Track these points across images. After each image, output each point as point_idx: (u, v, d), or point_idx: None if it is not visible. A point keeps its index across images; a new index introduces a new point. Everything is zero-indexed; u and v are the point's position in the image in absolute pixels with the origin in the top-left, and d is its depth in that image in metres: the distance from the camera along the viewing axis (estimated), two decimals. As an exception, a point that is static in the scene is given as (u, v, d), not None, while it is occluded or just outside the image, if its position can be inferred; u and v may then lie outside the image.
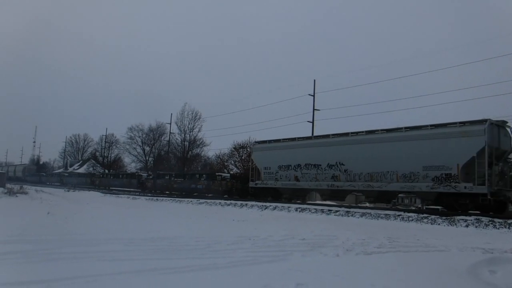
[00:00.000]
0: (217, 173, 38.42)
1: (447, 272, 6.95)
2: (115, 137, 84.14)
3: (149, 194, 36.34)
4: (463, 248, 9.38)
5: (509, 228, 13.95)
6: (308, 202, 25.66)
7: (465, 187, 18.62)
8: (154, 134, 75.99)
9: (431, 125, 20.76)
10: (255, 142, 33.69)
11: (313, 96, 39.68)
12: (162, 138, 74.35)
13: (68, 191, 40.83)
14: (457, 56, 70.64)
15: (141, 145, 75.63)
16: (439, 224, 15.44)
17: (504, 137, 19.66)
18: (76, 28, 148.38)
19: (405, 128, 21.92)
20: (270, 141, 30.04)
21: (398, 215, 17.32)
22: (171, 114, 63.36)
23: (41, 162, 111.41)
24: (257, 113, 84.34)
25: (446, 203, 19.96)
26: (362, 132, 24.01)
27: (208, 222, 15.19)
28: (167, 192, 39.60)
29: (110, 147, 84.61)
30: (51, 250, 7.54)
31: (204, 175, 38.85)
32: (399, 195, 21.58)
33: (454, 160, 19.14)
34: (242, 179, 34.17)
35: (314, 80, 40.07)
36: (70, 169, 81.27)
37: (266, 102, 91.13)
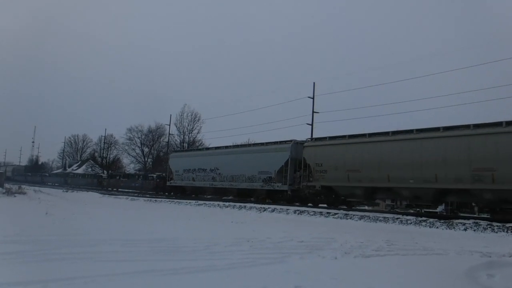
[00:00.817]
0: (149, 174, 49.58)
1: (445, 275, 6.96)
2: (114, 138, 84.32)
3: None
4: (461, 252, 9.39)
5: (507, 232, 13.97)
6: (308, 205, 25.93)
7: (277, 186, 27.76)
8: (153, 135, 76.17)
9: (266, 143, 31.05)
10: (173, 151, 50.09)
11: (313, 98, 39.75)
12: (161, 139, 74.58)
13: (67, 191, 40.78)
14: (459, 59, 70.79)
15: (140, 146, 75.81)
16: (437, 227, 15.46)
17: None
18: (76, 28, 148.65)
19: (253, 144, 35.01)
20: (179, 151, 47.55)
21: (397, 218, 17.34)
22: (171, 115, 63.51)
23: (40, 162, 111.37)
24: (257, 115, 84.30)
25: (271, 197, 28.91)
26: (230, 146, 36.60)
27: (206, 224, 15.19)
28: (115, 189, 50.78)
29: (109, 148, 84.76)
30: (49, 251, 7.52)
31: (140, 176, 51.41)
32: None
33: (273, 168, 28.11)
34: (163, 179, 42.94)
35: (314, 83, 40.22)
36: (68, 170, 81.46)
37: (266, 104, 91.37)
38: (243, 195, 31.59)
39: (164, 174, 43.99)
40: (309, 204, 25.14)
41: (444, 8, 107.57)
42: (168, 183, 38.93)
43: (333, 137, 25.04)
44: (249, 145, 33.03)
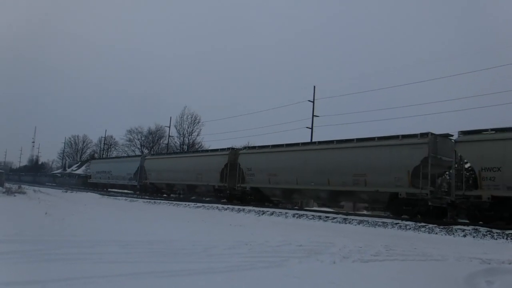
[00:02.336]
0: (80, 174, 63.35)
1: (444, 281, 6.95)
2: (114, 139, 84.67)
3: (103, 192, 45.68)
4: (460, 258, 9.37)
5: (506, 239, 13.94)
6: (306, 208, 26.07)
7: (219, 185, 31.99)
8: (153, 137, 76.27)
9: (210, 150, 40.68)
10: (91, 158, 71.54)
11: (313, 102, 39.82)
12: (161, 141, 74.67)
13: (66, 191, 40.78)
14: (459, 64, 70.83)
15: (139, 147, 75.86)
16: (436, 233, 15.43)
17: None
18: (76, 30, 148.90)
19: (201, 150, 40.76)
20: (95, 159, 68.14)
21: (396, 223, 17.32)
22: (170, 117, 63.62)
23: (40, 162, 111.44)
24: (257, 118, 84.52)
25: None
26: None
27: (205, 226, 15.16)
28: (61, 184, 61.15)
29: (109, 149, 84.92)
30: (48, 251, 7.50)
31: (76, 176, 69.07)
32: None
33: (217, 169, 32.07)
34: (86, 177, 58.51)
35: (314, 86, 40.37)
36: (68, 170, 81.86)
37: (266, 107, 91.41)
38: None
39: (87, 173, 61.44)
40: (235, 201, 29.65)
41: (447, 10, 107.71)
42: (89, 180, 49.15)
43: (261, 147, 30.25)
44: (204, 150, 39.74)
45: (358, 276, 7.15)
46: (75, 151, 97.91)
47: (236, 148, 33.66)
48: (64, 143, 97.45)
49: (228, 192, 31.22)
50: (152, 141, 76.48)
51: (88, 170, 57.16)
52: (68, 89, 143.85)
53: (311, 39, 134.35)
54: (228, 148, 33.17)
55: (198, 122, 66.81)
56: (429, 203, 19.35)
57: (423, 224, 16.79)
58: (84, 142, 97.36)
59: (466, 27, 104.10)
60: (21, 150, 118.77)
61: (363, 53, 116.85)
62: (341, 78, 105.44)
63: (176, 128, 67.47)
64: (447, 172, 21.15)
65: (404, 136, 21.08)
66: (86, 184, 56.00)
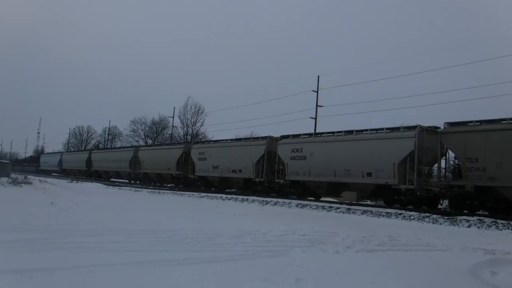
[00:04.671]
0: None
1: (448, 272, 6.95)
2: (118, 130, 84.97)
3: (107, 182, 46.34)
4: (465, 248, 9.38)
5: (511, 230, 13.92)
6: (308, 198, 25.92)
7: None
8: (157, 128, 76.48)
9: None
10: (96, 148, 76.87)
11: (317, 92, 39.68)
12: (165, 131, 74.81)
13: (71, 182, 40.91)
14: (465, 53, 70.31)
15: (143, 138, 76.15)
16: (440, 223, 15.43)
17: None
18: (82, 21, 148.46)
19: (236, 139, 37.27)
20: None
21: (400, 214, 17.33)
22: (174, 107, 63.88)
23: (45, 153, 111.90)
24: (261, 108, 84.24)
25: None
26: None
27: (209, 216, 15.22)
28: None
29: (113, 140, 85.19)
30: (55, 240, 7.57)
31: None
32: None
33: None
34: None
35: (318, 76, 40.27)
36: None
37: (270, 97, 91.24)
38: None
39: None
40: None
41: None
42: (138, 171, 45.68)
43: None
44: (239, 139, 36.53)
45: (362, 265, 7.17)
46: (80, 141, 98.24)
47: (194, 142, 38.32)
48: (69, 133, 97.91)
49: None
50: (156, 131, 76.68)
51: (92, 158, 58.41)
52: (73, 80, 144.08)
53: (317, 28, 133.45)
54: (189, 143, 37.57)
55: (202, 112, 66.91)
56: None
57: (427, 214, 16.79)
58: (88, 132, 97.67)
59: (473, 16, 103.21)
60: (26, 141, 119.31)
61: (369, 43, 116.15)
62: (346, 68, 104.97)
63: (180, 119, 67.62)
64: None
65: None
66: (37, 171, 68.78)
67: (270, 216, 16.12)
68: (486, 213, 17.75)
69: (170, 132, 68.25)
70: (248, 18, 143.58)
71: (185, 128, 67.78)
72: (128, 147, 59.25)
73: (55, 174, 62.42)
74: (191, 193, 29.24)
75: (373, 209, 18.78)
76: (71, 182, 40.57)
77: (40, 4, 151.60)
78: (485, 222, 14.90)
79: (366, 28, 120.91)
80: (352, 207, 19.82)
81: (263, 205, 21.86)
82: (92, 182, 42.05)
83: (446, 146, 19.47)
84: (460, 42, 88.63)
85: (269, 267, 6.52)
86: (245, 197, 24.70)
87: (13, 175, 31.01)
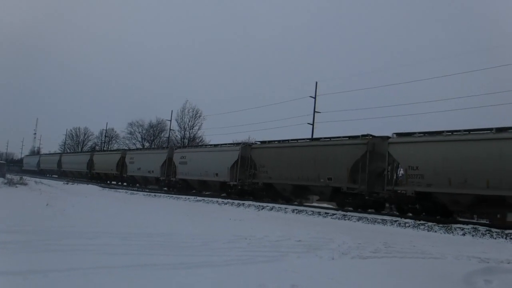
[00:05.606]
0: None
1: (442, 279, 6.97)
2: (115, 132, 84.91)
3: (103, 184, 46.52)
4: (459, 256, 9.40)
5: (506, 238, 13.97)
6: (305, 204, 26.17)
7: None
8: (154, 130, 76.41)
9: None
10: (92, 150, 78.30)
11: (315, 98, 39.78)
12: (162, 134, 74.78)
13: (67, 183, 40.83)
14: (464, 62, 70.60)
15: (140, 140, 76.05)
16: (435, 231, 15.46)
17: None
18: (79, 22, 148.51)
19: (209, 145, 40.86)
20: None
21: (395, 221, 17.35)
22: (172, 110, 63.84)
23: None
24: (258, 113, 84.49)
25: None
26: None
27: (204, 220, 15.20)
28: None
29: (110, 142, 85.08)
30: (49, 241, 7.55)
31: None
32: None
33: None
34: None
35: (316, 82, 40.40)
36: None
37: (268, 103, 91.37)
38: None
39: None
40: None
41: (454, 9, 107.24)
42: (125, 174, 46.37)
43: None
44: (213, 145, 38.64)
45: (357, 272, 7.18)
46: (76, 143, 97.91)
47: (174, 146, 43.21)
48: (66, 135, 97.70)
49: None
50: (153, 134, 76.59)
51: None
52: (70, 82, 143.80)
53: (315, 34, 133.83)
54: (167, 147, 40.49)
55: (200, 116, 66.93)
56: (366, 197, 21.81)
57: (422, 222, 16.84)
58: (85, 134, 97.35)
59: (471, 24, 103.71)
60: (22, 142, 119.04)
61: (367, 50, 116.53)
62: (344, 75, 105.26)
63: (177, 122, 67.61)
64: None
65: (350, 137, 23.56)
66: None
67: (266, 221, 16.11)
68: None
69: (167, 135, 68.23)
70: (247, 24, 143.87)
71: (183, 132, 67.79)
72: (116, 150, 61.09)
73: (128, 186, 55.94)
74: (187, 196, 29.20)
75: (369, 216, 18.81)
76: (67, 183, 40.51)
77: (38, 3, 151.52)
78: (479, 230, 14.94)
79: (365, 35, 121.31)
80: (348, 213, 19.86)
81: (259, 210, 21.86)
82: (87, 184, 41.99)
83: (392, 155, 20.83)
84: (459, 50, 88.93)
85: (264, 272, 6.52)
86: (241, 202, 24.70)
87: (8, 176, 30.94)
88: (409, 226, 16.48)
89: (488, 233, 14.61)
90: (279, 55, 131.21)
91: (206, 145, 36.90)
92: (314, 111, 39.66)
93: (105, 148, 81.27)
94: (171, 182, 37.90)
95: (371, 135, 22.29)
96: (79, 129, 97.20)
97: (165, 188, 38.61)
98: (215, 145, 35.81)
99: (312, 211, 20.67)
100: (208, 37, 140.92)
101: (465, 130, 18.73)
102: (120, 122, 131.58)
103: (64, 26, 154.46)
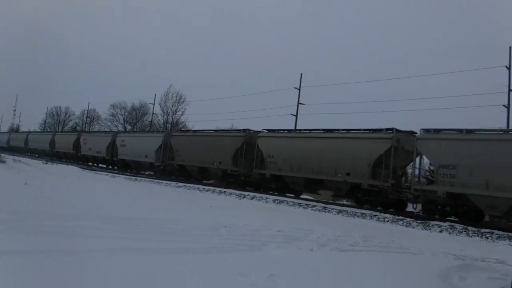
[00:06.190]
0: None
1: (418, 274, 7.09)
2: (97, 113, 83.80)
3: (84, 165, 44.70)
4: (436, 253, 9.56)
5: (481, 237, 14.22)
6: (286, 194, 25.87)
7: (154, 162, 36.46)
8: (136, 113, 75.71)
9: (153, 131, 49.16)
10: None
11: (299, 89, 39.79)
12: (145, 118, 74.15)
13: (46, 163, 40.33)
14: (451, 61, 71.26)
15: (122, 123, 75.31)
16: (413, 227, 15.66)
17: None
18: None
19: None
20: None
21: (374, 215, 17.52)
22: (155, 94, 63.55)
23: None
24: (243, 101, 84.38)
25: None
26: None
27: (185, 206, 15.16)
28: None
29: (92, 123, 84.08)
30: (27, 222, 7.46)
31: None
32: None
33: (152, 148, 36.77)
34: None
35: (301, 74, 40.27)
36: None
37: (253, 91, 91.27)
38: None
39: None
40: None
41: (440, 7, 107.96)
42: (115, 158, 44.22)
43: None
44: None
45: (335, 264, 7.25)
46: (57, 122, 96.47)
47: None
48: (46, 113, 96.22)
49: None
50: (135, 117, 75.94)
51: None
52: (53, 59, 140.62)
53: (303, 26, 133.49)
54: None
55: (183, 102, 66.57)
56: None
57: (401, 217, 17.02)
58: (66, 114, 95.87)
59: (462, 23, 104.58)
60: (1, 118, 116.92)
61: (354, 44, 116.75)
62: (330, 68, 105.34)
63: (160, 106, 67.15)
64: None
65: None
66: None
67: (247, 210, 16.15)
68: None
69: (150, 119, 67.72)
70: (237, 12, 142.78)
71: (165, 116, 67.38)
72: (106, 132, 59.09)
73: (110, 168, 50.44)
74: (168, 182, 29.07)
75: (349, 209, 18.95)
76: (46, 163, 40.02)
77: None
78: (456, 228, 15.18)
79: (355, 30, 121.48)
80: (328, 206, 19.96)
81: (240, 199, 21.88)
82: (68, 165, 41.53)
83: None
84: (443, 49, 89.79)
85: (243, 261, 6.55)
86: (222, 190, 24.68)
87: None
88: (388, 220, 16.66)
89: (465, 231, 14.85)
90: (267, 46, 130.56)
91: (207, 130, 35.21)
92: (298, 103, 39.69)
93: (88, 129, 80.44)
94: (167, 168, 35.85)
95: (395, 129, 20.86)
96: (60, 108, 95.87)
97: (159, 175, 36.52)
98: (217, 130, 35.40)
99: (293, 202, 20.75)
100: (194, 23, 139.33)
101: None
102: (103, 104, 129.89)
103: (49, 1, 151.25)
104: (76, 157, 49.61)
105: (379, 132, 21.45)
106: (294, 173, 24.62)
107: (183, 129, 54.52)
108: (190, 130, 40.10)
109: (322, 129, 24.54)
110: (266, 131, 28.07)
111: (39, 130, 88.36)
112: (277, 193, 25.38)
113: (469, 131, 18.13)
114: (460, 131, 18.50)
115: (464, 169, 17.32)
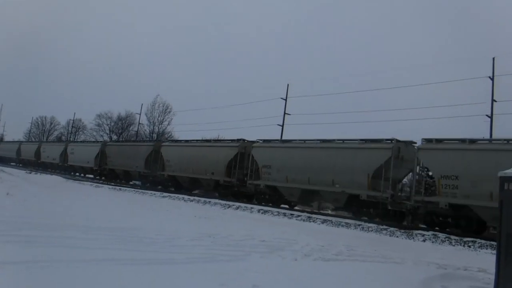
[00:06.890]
0: None
1: (401, 284, 7.11)
2: (83, 123, 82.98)
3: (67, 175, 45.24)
4: (419, 262, 9.61)
5: (464, 246, 14.35)
6: (270, 205, 25.70)
7: (143, 171, 36.12)
8: (122, 123, 75.19)
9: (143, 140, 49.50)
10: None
11: (285, 100, 39.98)
12: (131, 128, 73.73)
13: (30, 173, 39.82)
14: (438, 72, 72.00)
15: (108, 133, 74.70)
16: (397, 236, 15.76)
17: None
18: (47, 7, 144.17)
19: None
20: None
21: (359, 225, 17.59)
22: (142, 104, 63.07)
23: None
24: (229, 112, 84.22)
25: None
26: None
27: (169, 216, 15.07)
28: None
29: (77, 132, 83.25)
30: (7, 232, 7.32)
31: None
32: None
33: (141, 157, 36.34)
34: None
35: (288, 84, 40.50)
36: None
37: (239, 102, 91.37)
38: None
39: None
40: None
41: (428, 17, 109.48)
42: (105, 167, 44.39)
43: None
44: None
45: (318, 274, 7.25)
46: (42, 132, 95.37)
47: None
48: (31, 123, 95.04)
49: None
50: (121, 127, 75.45)
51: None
52: (39, 68, 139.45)
53: (292, 35, 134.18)
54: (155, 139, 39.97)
55: (170, 112, 66.43)
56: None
57: (384, 227, 17.10)
58: (51, 123, 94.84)
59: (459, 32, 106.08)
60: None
61: (343, 54, 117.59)
62: (317, 78, 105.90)
63: (147, 116, 66.90)
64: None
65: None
66: None
67: (231, 220, 16.10)
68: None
69: (136, 129, 67.40)
70: (223, 21, 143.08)
71: (152, 126, 67.11)
72: (95, 141, 57.67)
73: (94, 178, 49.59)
74: (153, 192, 28.89)
75: (333, 219, 18.98)
76: (30, 173, 39.51)
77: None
78: (439, 237, 15.30)
79: (342, 40, 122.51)
80: (313, 215, 20.00)
81: (225, 209, 21.81)
82: (51, 174, 41.07)
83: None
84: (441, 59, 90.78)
85: (226, 271, 6.51)
86: (207, 200, 24.57)
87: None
88: (372, 230, 16.73)
89: (448, 240, 14.98)
90: (254, 56, 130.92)
91: (199, 140, 36.12)
92: (284, 113, 39.86)
93: (73, 139, 79.66)
94: (156, 179, 35.44)
95: (395, 139, 20.44)
96: (45, 118, 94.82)
97: (148, 184, 36.58)
98: (209, 140, 35.51)
99: (277, 211, 20.74)
100: (184, 33, 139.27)
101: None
102: (88, 114, 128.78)
103: (32, 7, 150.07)
104: (63, 167, 49.11)
105: (379, 142, 21.10)
106: (289, 183, 23.93)
107: (169, 139, 54.39)
108: (182, 140, 38.63)
109: (319, 139, 24.12)
110: (261, 141, 27.57)
111: (24, 140, 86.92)
112: (271, 204, 24.79)
113: (472, 141, 17.92)
114: (463, 141, 18.20)
115: (468, 179, 17.02)
